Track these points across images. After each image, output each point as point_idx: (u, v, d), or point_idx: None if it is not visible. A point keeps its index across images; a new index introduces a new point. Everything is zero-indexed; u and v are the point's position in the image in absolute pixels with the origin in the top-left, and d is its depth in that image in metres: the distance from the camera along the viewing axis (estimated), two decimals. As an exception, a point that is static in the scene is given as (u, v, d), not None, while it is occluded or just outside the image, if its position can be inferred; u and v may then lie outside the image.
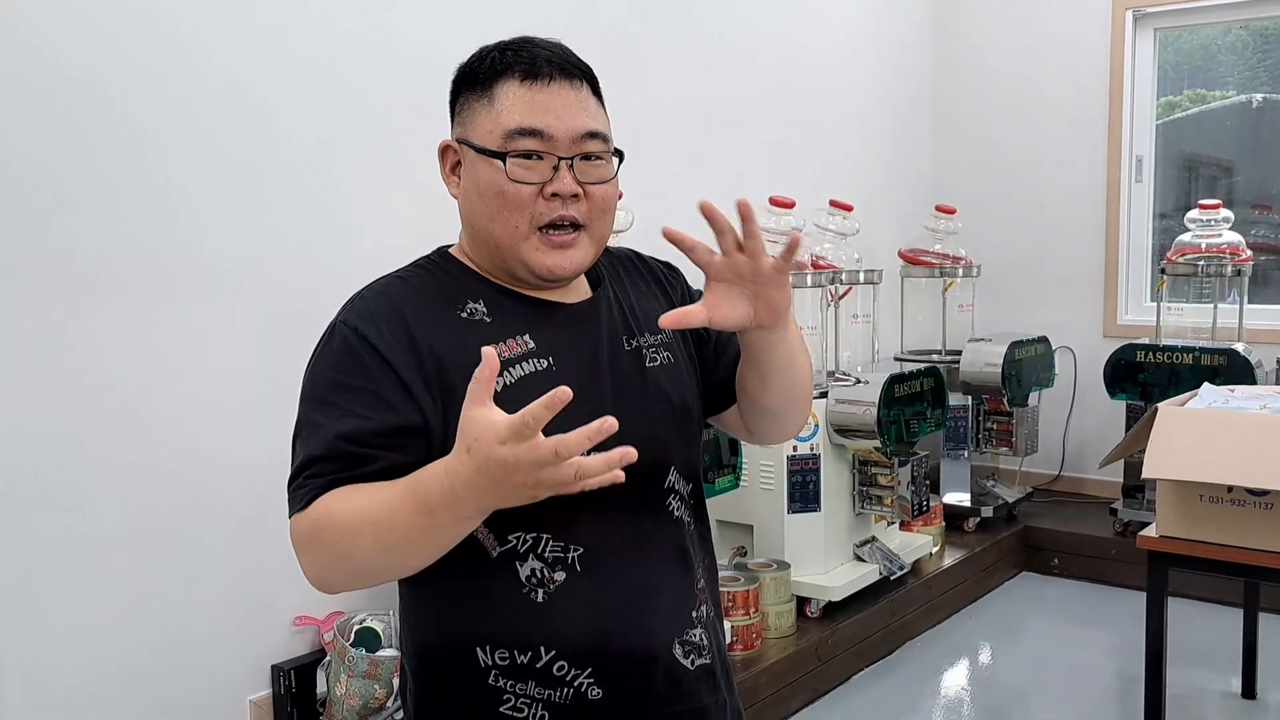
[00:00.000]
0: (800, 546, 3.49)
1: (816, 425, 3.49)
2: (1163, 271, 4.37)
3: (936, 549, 4.13)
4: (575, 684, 1.23)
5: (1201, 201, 4.38)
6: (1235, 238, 4.26)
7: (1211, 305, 4.32)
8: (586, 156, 1.25)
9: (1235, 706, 3.33)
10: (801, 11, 4.47)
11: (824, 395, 3.54)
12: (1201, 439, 2.42)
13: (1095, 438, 4.90)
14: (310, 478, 1.16)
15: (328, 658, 2.64)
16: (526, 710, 1.23)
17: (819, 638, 3.38)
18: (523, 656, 1.23)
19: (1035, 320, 4.94)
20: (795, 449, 3.46)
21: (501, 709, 1.23)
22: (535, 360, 1.24)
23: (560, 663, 1.23)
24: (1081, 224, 5.04)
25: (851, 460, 3.65)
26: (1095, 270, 5.03)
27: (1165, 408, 2.51)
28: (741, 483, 3.34)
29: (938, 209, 4.63)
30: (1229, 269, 4.22)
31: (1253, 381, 3.83)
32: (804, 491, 3.48)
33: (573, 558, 1.23)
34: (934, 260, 4.50)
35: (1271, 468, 2.32)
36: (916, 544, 3.94)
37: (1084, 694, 3.44)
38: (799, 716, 3.26)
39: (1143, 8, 4.88)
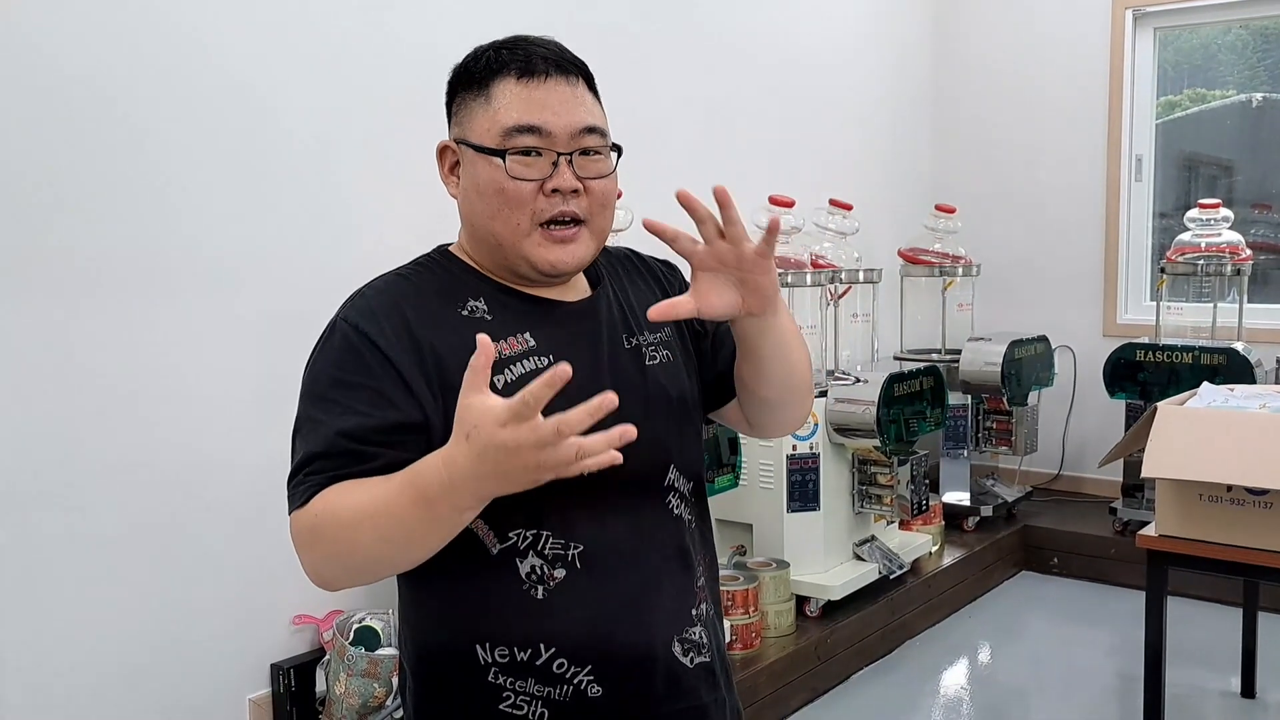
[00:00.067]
0: (799, 545, 3.49)
1: (816, 424, 3.49)
2: (1162, 271, 4.37)
3: (936, 548, 4.14)
4: (575, 682, 1.23)
5: (1201, 201, 4.38)
6: (1235, 237, 4.27)
7: (1211, 304, 4.32)
8: (585, 152, 1.26)
9: (1235, 706, 3.33)
10: (801, 11, 4.47)
11: (823, 394, 3.54)
12: (1201, 438, 2.42)
13: (1095, 437, 4.90)
14: (310, 474, 1.16)
15: (327, 656, 2.64)
16: (526, 708, 1.23)
17: (818, 637, 3.38)
18: (523, 654, 1.23)
19: (1035, 319, 4.94)
20: (795, 448, 3.46)
21: (501, 707, 1.23)
22: (535, 358, 1.25)
23: (560, 660, 1.23)
24: (1081, 223, 5.04)
25: (851, 459, 3.65)
26: (1095, 269, 5.03)
27: (1165, 407, 2.51)
28: (741, 482, 3.35)
29: (937, 208, 4.64)
30: (1229, 268, 4.22)
31: (1252, 381, 3.83)
32: (803, 490, 3.48)
33: (573, 555, 1.24)
34: (934, 259, 4.50)
35: (1271, 467, 2.32)
36: (916, 543, 3.94)
37: (1083, 693, 3.45)
38: (798, 715, 3.26)
39: (1142, 7, 4.88)
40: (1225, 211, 4.29)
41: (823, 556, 3.53)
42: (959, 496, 4.53)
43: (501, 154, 1.23)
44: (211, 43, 2.51)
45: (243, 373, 2.59)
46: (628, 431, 0.99)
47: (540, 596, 1.23)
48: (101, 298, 2.35)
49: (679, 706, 1.29)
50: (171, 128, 2.45)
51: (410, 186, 2.77)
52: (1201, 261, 4.24)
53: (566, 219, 1.25)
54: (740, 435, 3.24)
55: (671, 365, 1.37)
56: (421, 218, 2.49)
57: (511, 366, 1.23)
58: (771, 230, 1.20)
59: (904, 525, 4.00)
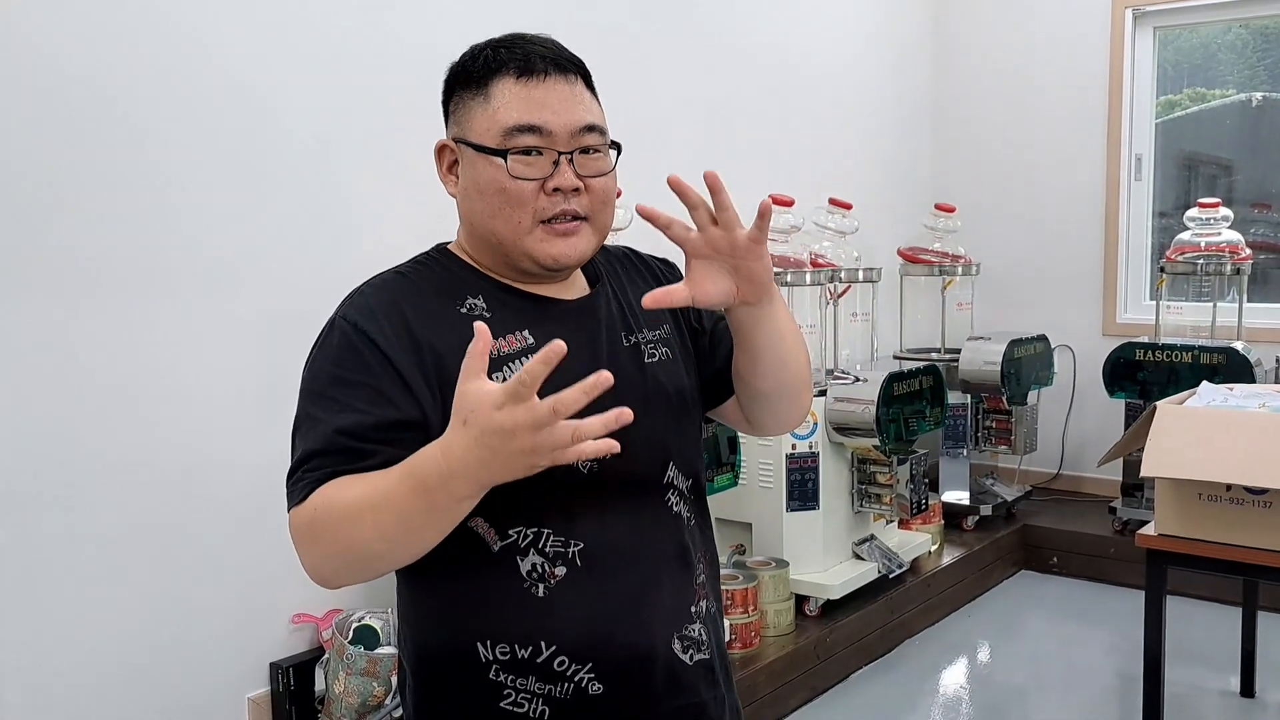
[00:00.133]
0: (799, 545, 3.49)
1: (815, 423, 3.49)
2: (1162, 270, 4.37)
3: (935, 547, 4.14)
4: (575, 679, 1.24)
5: (1201, 200, 4.38)
6: (1234, 236, 4.27)
7: (1211, 304, 4.32)
8: (585, 150, 1.26)
9: (1234, 705, 3.34)
10: (801, 10, 4.47)
11: (823, 394, 3.54)
12: (1200, 437, 2.42)
13: (1094, 436, 4.90)
14: (308, 472, 1.16)
15: (326, 655, 2.64)
16: (527, 705, 1.24)
17: (818, 636, 3.38)
18: (523, 652, 1.23)
19: (1034, 319, 4.94)
20: (794, 447, 3.46)
21: (502, 704, 1.24)
22: (534, 355, 1.25)
23: (561, 658, 1.23)
24: (1081, 222, 5.04)
25: (850, 458, 3.65)
26: (1094, 269, 5.03)
27: (1164, 406, 2.51)
28: (740, 481, 3.35)
29: (937, 207, 4.63)
30: (1228, 267, 4.22)
31: (1252, 380, 3.83)
32: (803, 490, 3.49)
33: (573, 553, 1.24)
34: (933, 258, 4.50)
35: (1270, 466, 2.32)
36: (915, 542, 3.94)
37: (1083, 692, 3.45)
38: (798, 715, 3.26)
39: (1142, 6, 4.88)
40: (1225, 211, 4.29)
41: (822, 556, 3.53)
42: (958, 496, 4.53)
43: (503, 154, 1.23)
44: (211, 43, 2.51)
45: (243, 372, 2.59)
46: (624, 414, 0.99)
47: (541, 594, 1.23)
48: (101, 298, 2.35)
49: (679, 704, 1.30)
50: (171, 128, 2.45)
51: (410, 186, 2.77)
52: (1201, 261, 4.24)
53: (568, 217, 1.25)
54: (740, 434, 3.24)
55: (670, 363, 1.37)
56: (421, 217, 2.48)
57: (510, 364, 1.23)
58: (763, 215, 1.19)
59: (903, 524, 4.00)
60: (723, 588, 3.04)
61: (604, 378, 0.97)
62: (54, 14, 2.25)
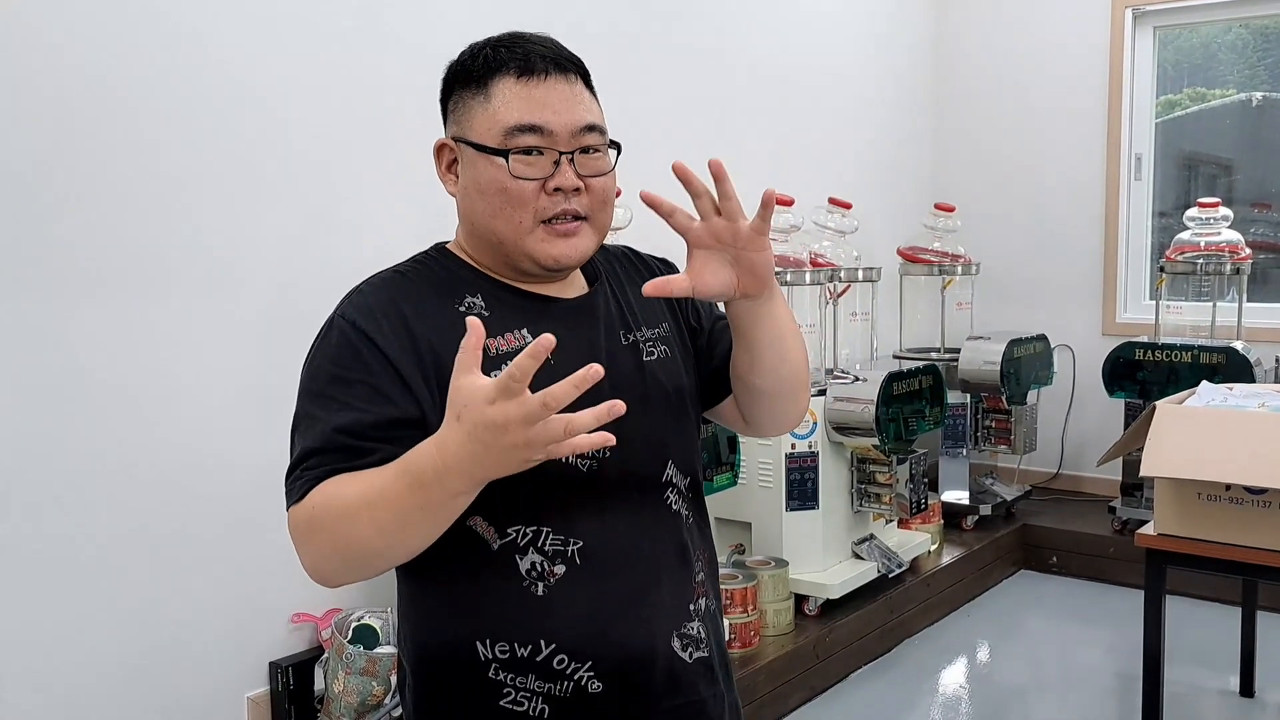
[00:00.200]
0: (798, 544, 3.49)
1: (815, 423, 3.49)
2: (1162, 270, 4.37)
3: (935, 547, 4.14)
4: (575, 677, 1.24)
5: (1201, 200, 4.38)
6: (1234, 236, 4.27)
7: (1210, 303, 4.32)
8: (585, 150, 1.26)
9: (1233, 705, 3.34)
10: (802, 9, 4.47)
11: (822, 393, 3.54)
12: (1200, 437, 2.42)
13: (1094, 436, 4.90)
14: (307, 470, 1.16)
15: (325, 655, 2.64)
16: (526, 704, 1.24)
17: (817, 635, 3.38)
18: (523, 650, 1.23)
19: (1034, 318, 4.95)
20: (794, 446, 3.46)
21: (502, 703, 1.24)
22: (524, 350, 1.25)
23: (560, 656, 1.23)
24: (1081, 222, 5.05)
25: (850, 458, 3.65)
26: (1094, 268, 5.04)
27: (1164, 406, 2.51)
28: (740, 480, 3.35)
29: (937, 207, 4.63)
30: (1228, 267, 4.22)
31: (1251, 380, 3.83)
32: (802, 489, 3.49)
33: (572, 551, 1.24)
34: (933, 258, 4.50)
35: (1270, 466, 2.32)
36: (915, 542, 3.94)
37: (1082, 692, 3.45)
38: (797, 714, 3.26)
39: (1142, 6, 4.88)
40: (1225, 210, 4.29)
41: (821, 555, 3.53)
42: (958, 495, 4.53)
43: (504, 153, 1.23)
44: (211, 43, 2.51)
45: (242, 372, 2.59)
46: (615, 406, 0.98)
47: (540, 593, 1.23)
48: (101, 297, 2.35)
49: (678, 702, 1.30)
50: (171, 128, 2.45)
51: (410, 186, 2.78)
52: (1201, 260, 4.24)
53: (568, 217, 1.25)
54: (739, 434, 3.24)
55: (669, 361, 1.37)
56: (421, 217, 2.49)
57: (509, 363, 1.23)
58: (766, 204, 1.19)
59: (903, 524, 4.00)
60: (722, 587, 3.06)
61: (594, 371, 0.97)
62: (54, 14, 2.25)
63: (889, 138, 5.06)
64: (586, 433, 0.99)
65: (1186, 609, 3.71)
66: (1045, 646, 3.89)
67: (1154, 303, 4.50)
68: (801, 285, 3.61)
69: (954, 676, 3.64)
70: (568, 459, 1.22)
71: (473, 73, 1.27)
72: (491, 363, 1.22)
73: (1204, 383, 2.73)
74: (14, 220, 2.21)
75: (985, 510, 4.48)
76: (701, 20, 3.97)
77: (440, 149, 1.32)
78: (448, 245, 1.36)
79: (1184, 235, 4.35)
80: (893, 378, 3.56)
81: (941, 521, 4.26)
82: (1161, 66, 5.01)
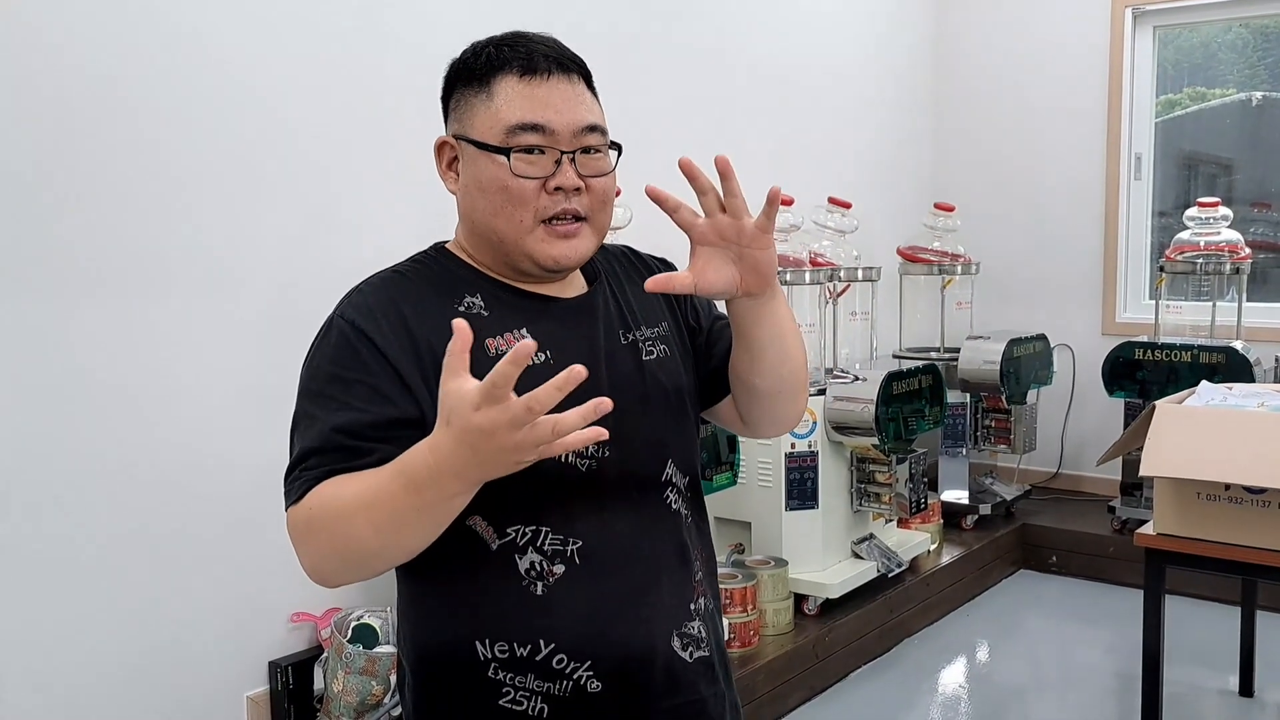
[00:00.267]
0: (798, 544, 3.49)
1: (814, 422, 3.49)
2: (1161, 269, 4.37)
3: (934, 546, 4.14)
4: (574, 677, 1.24)
5: (1200, 199, 4.38)
6: (1234, 236, 4.27)
7: (1210, 303, 4.32)
8: (587, 150, 1.26)
9: (1233, 704, 3.34)
10: (801, 9, 4.47)
11: (822, 392, 3.54)
12: (1199, 437, 2.42)
13: (1093, 435, 4.90)
14: (306, 470, 1.16)
15: (325, 654, 2.64)
16: (526, 703, 1.24)
17: (816, 635, 3.38)
18: (522, 649, 1.23)
19: (1034, 318, 4.95)
20: (793, 446, 3.46)
21: (501, 702, 1.24)
22: (533, 354, 1.25)
23: (559, 655, 1.23)
24: (1080, 222, 5.05)
25: (849, 457, 3.65)
26: (1094, 268, 5.04)
27: (1163, 405, 2.51)
28: (739, 480, 3.35)
29: (936, 206, 4.64)
30: (1228, 267, 4.22)
31: (1251, 379, 3.83)
32: (802, 489, 3.49)
33: (572, 551, 1.24)
34: (932, 258, 4.50)
35: (1269, 466, 2.32)
36: (914, 541, 3.94)
37: (1081, 692, 3.45)
38: (796, 714, 3.27)
39: (1142, 5, 4.88)
40: (1224, 210, 4.29)
41: (821, 555, 3.53)
42: (957, 495, 4.53)
43: (505, 152, 1.23)
44: (211, 43, 2.51)
45: (242, 372, 2.59)
46: (602, 404, 0.98)
47: (539, 592, 1.23)
48: (101, 297, 2.35)
49: (678, 701, 1.30)
50: (171, 128, 2.45)
51: (410, 186, 2.78)
52: (1200, 260, 4.24)
53: (569, 216, 1.26)
54: (739, 433, 3.24)
55: (669, 360, 1.37)
56: (421, 217, 2.49)
57: (508, 363, 1.23)
58: (771, 202, 1.19)
59: (902, 523, 4.00)
60: (722, 586, 3.05)
61: (576, 372, 0.96)
62: (54, 14, 2.25)
63: (889, 138, 5.06)
64: (578, 430, 0.99)
65: (1186, 609, 3.71)
66: (1045, 646, 3.89)
67: (1154, 302, 4.50)
68: (801, 285, 3.61)
69: (953, 676, 3.64)
70: (566, 458, 1.23)
71: (475, 71, 1.27)
72: (491, 362, 1.21)
73: (1203, 382, 2.73)
74: (14, 220, 2.21)
75: (985, 510, 4.48)
76: (701, 20, 3.97)
77: (441, 146, 1.32)
78: (447, 245, 1.36)
79: (1184, 235, 4.35)
80: (892, 377, 3.56)
81: (941, 521, 4.27)
82: (1161, 66, 5.01)
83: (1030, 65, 5.11)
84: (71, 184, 2.30)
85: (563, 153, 1.24)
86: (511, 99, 1.24)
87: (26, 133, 2.22)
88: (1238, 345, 4.09)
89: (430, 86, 1.35)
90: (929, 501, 3.88)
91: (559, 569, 1.23)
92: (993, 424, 4.50)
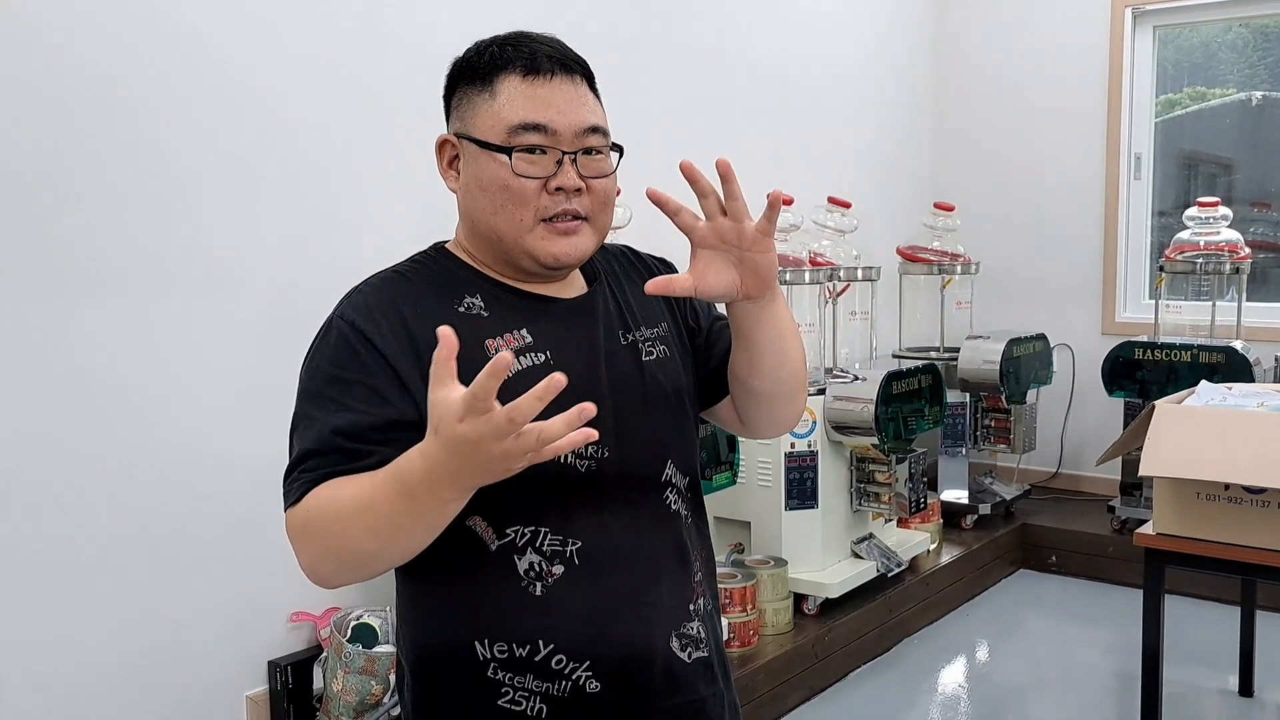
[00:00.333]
0: (797, 543, 3.50)
1: (814, 422, 3.49)
2: (1161, 269, 4.37)
3: (934, 546, 4.14)
4: (573, 677, 1.24)
5: (1200, 199, 4.38)
6: (1234, 235, 4.27)
7: (1210, 303, 4.32)
8: (588, 151, 1.26)
9: (1232, 704, 3.34)
10: (802, 9, 4.47)
11: (821, 392, 3.54)
12: (1199, 437, 2.42)
13: (1093, 435, 4.90)
14: (305, 472, 1.16)
15: (324, 654, 2.64)
16: (525, 703, 1.24)
17: (816, 635, 3.38)
18: (521, 650, 1.23)
19: (1033, 317, 4.95)
20: (793, 445, 3.47)
21: (500, 703, 1.24)
22: (533, 354, 1.25)
23: (558, 656, 1.23)
24: (1080, 221, 5.05)
25: (849, 457, 3.65)
26: (1094, 268, 5.04)
27: (1163, 405, 2.51)
28: (739, 479, 3.35)
29: (936, 206, 4.64)
30: (1227, 267, 4.23)
31: (1251, 379, 3.83)
32: (801, 488, 3.49)
33: (571, 551, 1.24)
34: (932, 257, 4.51)
35: (1269, 466, 2.32)
36: (914, 541, 3.94)
37: (1081, 691, 3.45)
38: (796, 713, 3.27)
39: (1142, 5, 4.88)
40: (1224, 210, 4.29)
41: (820, 554, 3.53)
42: (957, 494, 4.53)
43: (507, 151, 1.23)
44: (211, 43, 2.51)
45: (242, 372, 2.59)
46: (586, 409, 0.98)
47: (538, 593, 1.23)
48: (101, 297, 2.35)
49: (677, 701, 1.30)
50: (171, 127, 2.45)
51: (410, 186, 2.78)
52: (1200, 260, 4.24)
53: (569, 216, 1.26)
54: (739, 433, 3.24)
55: (668, 361, 1.37)
56: (421, 218, 2.49)
57: (509, 363, 1.23)
58: (773, 205, 1.19)
59: (902, 523, 4.00)
60: (722, 586, 3.06)
61: (555, 381, 0.95)
62: (54, 14, 2.25)
63: (889, 138, 5.06)
64: (566, 435, 0.99)
65: (1185, 608, 3.71)
66: (1044, 646, 3.89)
67: (1153, 302, 4.50)
68: (801, 284, 3.61)
69: (953, 676, 3.64)
70: (566, 459, 1.23)
71: (478, 70, 1.27)
72: (491, 362, 1.22)
73: (1203, 382, 2.73)
74: (14, 220, 2.22)
75: (984, 509, 4.48)
76: (701, 20, 3.97)
77: (442, 145, 1.32)
78: (447, 245, 1.36)
79: (1183, 235, 4.35)
80: (892, 377, 3.56)
81: (941, 521, 4.27)
82: (1161, 66, 5.01)
83: (1030, 65, 5.11)
84: (71, 184, 2.30)
85: (564, 153, 1.24)
86: (514, 98, 1.24)
87: (26, 133, 2.22)
88: (1237, 345, 4.09)
89: (430, 86, 1.35)
90: (928, 501, 3.88)
91: (558, 569, 1.24)
92: (992, 424, 4.50)
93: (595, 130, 1.27)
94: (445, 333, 0.98)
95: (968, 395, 4.44)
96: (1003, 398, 4.34)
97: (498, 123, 1.24)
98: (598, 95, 1.31)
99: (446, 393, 0.99)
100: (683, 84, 3.86)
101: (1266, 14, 4.82)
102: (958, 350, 4.38)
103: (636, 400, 1.31)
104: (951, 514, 4.42)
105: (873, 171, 4.92)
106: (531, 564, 1.23)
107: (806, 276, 3.60)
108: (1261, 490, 2.40)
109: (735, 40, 4.12)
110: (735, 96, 4.11)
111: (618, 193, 1.35)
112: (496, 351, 1.23)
